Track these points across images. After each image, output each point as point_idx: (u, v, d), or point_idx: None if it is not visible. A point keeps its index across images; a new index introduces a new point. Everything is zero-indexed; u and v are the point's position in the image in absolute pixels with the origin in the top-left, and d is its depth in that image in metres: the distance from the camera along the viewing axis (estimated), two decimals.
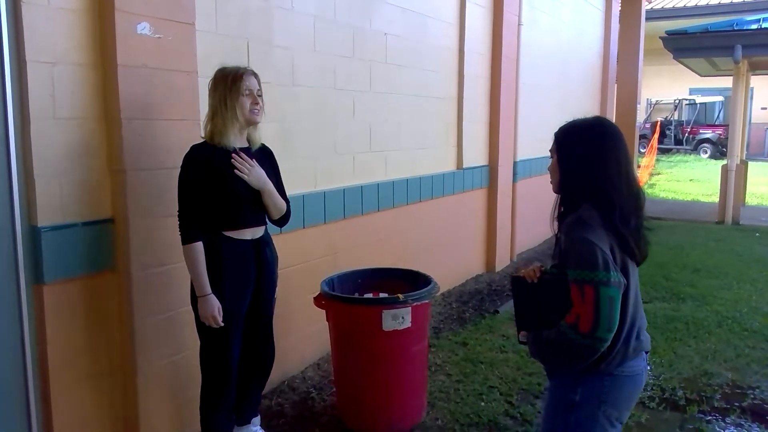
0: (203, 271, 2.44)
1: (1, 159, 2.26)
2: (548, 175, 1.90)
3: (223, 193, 2.47)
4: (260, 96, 2.54)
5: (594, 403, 1.79)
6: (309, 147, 3.73)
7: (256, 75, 2.54)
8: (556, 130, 1.87)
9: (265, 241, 2.66)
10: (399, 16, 4.51)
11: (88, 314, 2.53)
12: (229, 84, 2.46)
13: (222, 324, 2.46)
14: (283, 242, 3.43)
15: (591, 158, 1.77)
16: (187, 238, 2.44)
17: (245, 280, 2.57)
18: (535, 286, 1.84)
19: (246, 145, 2.59)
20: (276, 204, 2.61)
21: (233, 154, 2.47)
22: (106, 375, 2.61)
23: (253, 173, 2.50)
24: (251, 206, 2.55)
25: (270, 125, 3.36)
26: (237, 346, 2.60)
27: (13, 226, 2.30)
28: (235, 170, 2.46)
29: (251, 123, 2.53)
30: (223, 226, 2.51)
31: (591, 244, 1.67)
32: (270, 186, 2.57)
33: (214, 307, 2.44)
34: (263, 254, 2.63)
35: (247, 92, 2.47)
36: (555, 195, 1.88)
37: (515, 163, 6.55)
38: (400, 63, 4.54)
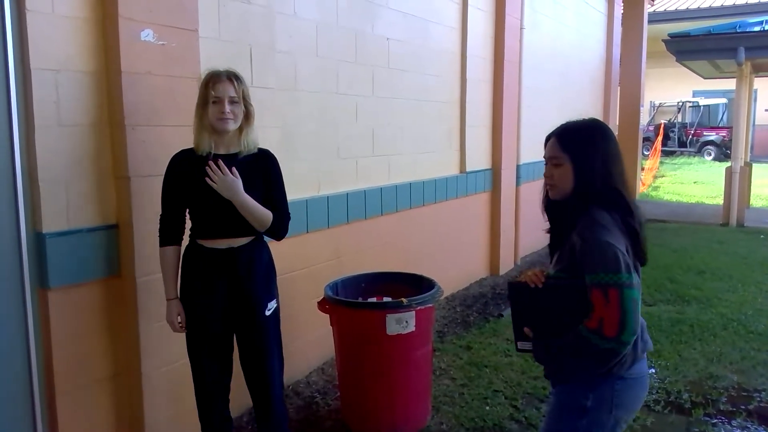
0: (169, 276, 2.43)
1: (6, 166, 2.28)
2: None
3: (195, 201, 2.40)
4: (236, 102, 2.33)
5: (606, 408, 1.77)
6: (312, 151, 3.74)
7: (232, 78, 2.34)
8: (557, 133, 1.82)
9: (243, 251, 2.43)
10: (401, 20, 4.52)
11: (93, 319, 2.54)
12: (201, 91, 2.37)
13: (182, 330, 2.46)
14: (287, 247, 3.44)
15: (612, 156, 1.76)
16: (159, 242, 2.45)
17: (214, 289, 2.44)
18: (538, 291, 1.78)
19: (235, 150, 2.40)
20: (253, 215, 2.37)
21: (209, 162, 2.32)
22: (111, 380, 2.62)
23: (222, 182, 2.29)
24: (227, 216, 2.36)
25: (273, 130, 3.38)
26: (212, 357, 2.48)
27: (18, 232, 2.32)
28: (207, 178, 2.30)
29: (219, 131, 2.34)
30: (197, 234, 2.45)
31: (612, 247, 1.65)
32: (241, 197, 2.32)
33: (173, 313, 2.43)
34: (238, 264, 2.42)
35: (214, 99, 2.30)
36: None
37: (518, 167, 6.55)
38: (402, 67, 4.55)
